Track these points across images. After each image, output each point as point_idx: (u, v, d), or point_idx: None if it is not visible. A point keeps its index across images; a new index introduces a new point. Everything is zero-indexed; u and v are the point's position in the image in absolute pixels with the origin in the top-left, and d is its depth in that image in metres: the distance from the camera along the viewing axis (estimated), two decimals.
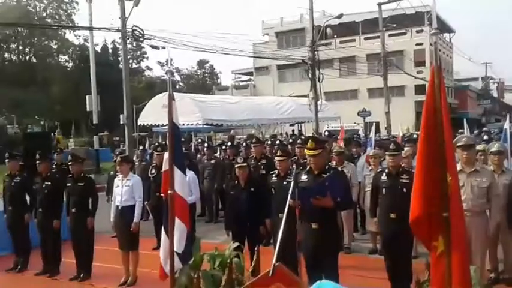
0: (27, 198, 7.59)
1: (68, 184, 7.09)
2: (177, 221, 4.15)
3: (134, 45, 46.80)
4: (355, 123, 26.12)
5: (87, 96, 20.15)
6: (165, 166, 4.29)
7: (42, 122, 44.93)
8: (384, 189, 5.64)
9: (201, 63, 68.92)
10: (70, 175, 7.15)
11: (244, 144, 11.80)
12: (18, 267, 7.55)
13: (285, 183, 5.60)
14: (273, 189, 5.90)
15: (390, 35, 35.35)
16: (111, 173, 10.15)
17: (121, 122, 19.37)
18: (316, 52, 21.19)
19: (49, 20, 42.87)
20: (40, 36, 43.71)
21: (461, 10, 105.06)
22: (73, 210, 6.94)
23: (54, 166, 9.33)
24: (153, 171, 8.60)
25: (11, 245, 7.84)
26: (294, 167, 4.99)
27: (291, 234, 4.32)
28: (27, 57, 45.81)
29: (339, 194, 4.66)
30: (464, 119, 12.24)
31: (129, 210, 6.65)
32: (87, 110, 20.36)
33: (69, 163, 7.16)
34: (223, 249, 4.28)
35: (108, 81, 29.16)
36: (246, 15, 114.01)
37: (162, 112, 13.88)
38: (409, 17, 34.14)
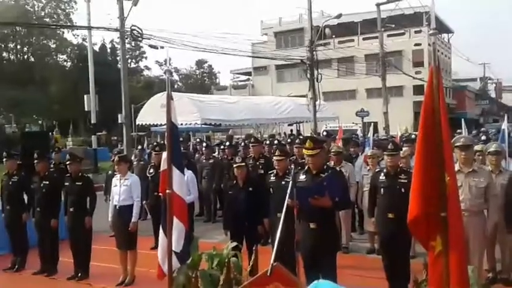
0: (25, 197, 7.58)
1: (66, 183, 7.08)
2: (175, 220, 4.15)
3: (133, 44, 46.86)
4: (353, 123, 26.14)
5: (85, 96, 20.13)
6: (163, 166, 4.29)
7: (40, 122, 44.86)
8: (382, 189, 5.65)
9: (200, 63, 68.92)
10: (68, 174, 7.15)
11: (242, 144, 11.80)
12: (16, 266, 7.54)
13: (283, 183, 5.60)
14: (271, 189, 5.90)
15: (389, 36, 35.35)
16: (109, 172, 10.14)
17: (119, 122, 19.34)
18: (314, 52, 21.19)
19: (47, 20, 42.84)
20: (38, 36, 43.66)
21: (460, 10, 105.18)
22: (71, 209, 6.94)
23: (52, 165, 9.31)
24: (151, 170, 8.60)
25: (9, 244, 7.84)
26: (293, 166, 4.98)
27: (289, 233, 4.33)
28: (26, 57, 45.77)
29: (337, 193, 4.66)
30: (462, 119, 12.26)
31: (127, 209, 6.64)
32: (86, 109, 20.34)
33: (67, 162, 7.16)
34: (222, 248, 4.29)
35: (107, 81, 29.12)
36: (245, 15, 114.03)
37: (161, 112, 13.87)
38: (408, 18, 34.21)
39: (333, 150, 7.92)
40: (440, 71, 2.87)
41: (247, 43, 34.75)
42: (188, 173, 7.06)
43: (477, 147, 6.61)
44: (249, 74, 53.45)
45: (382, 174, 5.74)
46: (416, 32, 40.73)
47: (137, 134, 26.55)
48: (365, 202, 7.12)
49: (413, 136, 10.69)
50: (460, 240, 2.86)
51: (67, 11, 44.69)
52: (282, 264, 3.03)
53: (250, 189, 6.17)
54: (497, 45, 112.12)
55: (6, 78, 36.01)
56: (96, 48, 42.48)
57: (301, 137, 9.66)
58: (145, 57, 58.27)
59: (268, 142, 10.63)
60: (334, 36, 37.70)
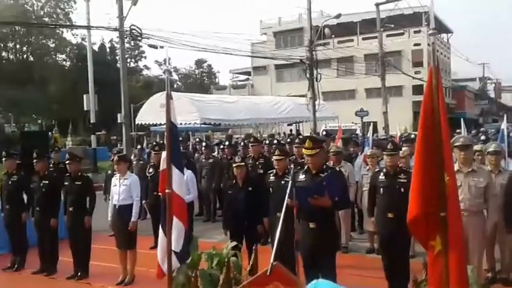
0: (25, 197, 7.57)
1: (66, 183, 7.08)
2: (175, 220, 4.15)
3: (132, 44, 46.80)
4: (352, 123, 26.15)
5: (84, 95, 20.11)
6: (163, 165, 4.29)
7: (39, 121, 44.81)
8: (381, 189, 5.65)
9: (199, 63, 68.88)
10: (67, 174, 7.15)
11: (242, 143, 11.80)
12: (16, 266, 7.54)
13: (282, 182, 5.61)
14: (270, 189, 5.90)
15: (388, 35, 35.39)
16: (109, 172, 10.14)
17: (119, 121, 19.32)
18: (314, 52, 21.19)
19: (47, 19, 42.80)
20: (37, 35, 43.63)
21: (459, 10, 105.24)
22: (70, 209, 6.93)
23: (51, 165, 9.31)
24: (151, 170, 8.60)
25: (8, 243, 7.83)
26: (292, 166, 4.98)
27: (288, 233, 4.33)
28: (25, 56, 45.74)
29: (337, 193, 4.67)
30: (462, 119, 12.26)
31: (127, 209, 6.64)
32: (85, 109, 20.32)
33: (67, 162, 7.15)
34: (221, 248, 4.30)
35: (106, 81, 29.11)
36: (245, 14, 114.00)
37: (160, 111, 13.87)
38: (407, 18, 34.22)
39: (332, 150, 7.91)
40: (439, 71, 2.87)
41: (246, 43, 34.79)
42: (188, 173, 7.06)
43: (476, 147, 6.62)
44: (248, 73, 53.44)
45: (382, 174, 5.74)
46: (415, 32, 40.76)
47: (136, 133, 26.55)
48: (364, 202, 7.13)
49: (412, 136, 10.71)
50: (459, 240, 2.87)
51: (66, 10, 44.67)
52: (281, 263, 3.03)
53: (250, 188, 6.17)
54: (497, 45, 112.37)
55: (5, 78, 35.98)
56: (96, 47, 42.46)
57: (300, 137, 9.67)
58: (145, 57, 58.37)
59: (267, 142, 10.63)
60: (333, 36, 37.72)
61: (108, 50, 48.67)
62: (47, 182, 7.18)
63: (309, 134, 14.45)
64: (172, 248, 4.12)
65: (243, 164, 6.32)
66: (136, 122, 18.95)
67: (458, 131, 11.88)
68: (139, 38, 17.16)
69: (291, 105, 21.85)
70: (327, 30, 25.37)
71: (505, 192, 5.78)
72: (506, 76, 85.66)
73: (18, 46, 45.21)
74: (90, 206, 6.97)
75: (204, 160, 11.04)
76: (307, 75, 21.16)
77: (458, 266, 2.79)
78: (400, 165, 5.84)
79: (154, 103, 16.68)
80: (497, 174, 5.95)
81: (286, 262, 3.78)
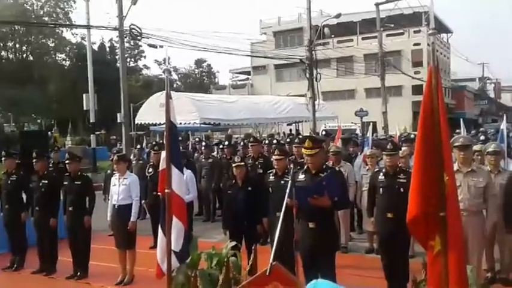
0: (24, 196, 7.57)
1: (65, 183, 7.07)
2: (175, 219, 4.15)
3: (132, 43, 46.76)
4: (352, 122, 26.15)
5: (84, 95, 20.10)
6: (162, 165, 4.29)
7: (39, 121, 44.77)
8: (381, 189, 5.65)
9: (199, 62, 68.80)
10: (67, 173, 7.14)
11: (241, 143, 11.80)
12: (15, 265, 7.54)
13: (282, 182, 5.60)
14: (270, 189, 5.90)
15: (388, 35, 35.38)
16: (108, 171, 10.13)
17: (118, 121, 19.33)
18: (313, 52, 21.21)
19: (46, 18, 42.75)
20: (37, 35, 43.58)
21: (459, 10, 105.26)
22: (70, 208, 6.93)
23: (51, 164, 9.30)
24: (150, 170, 8.60)
25: (8, 243, 7.83)
26: (292, 166, 4.98)
27: (288, 233, 4.33)
28: (24, 56, 45.68)
29: (336, 193, 4.67)
30: (461, 119, 12.25)
31: (126, 209, 6.63)
32: (84, 108, 20.31)
33: (66, 162, 7.15)
34: (221, 248, 4.30)
35: (106, 80, 29.10)
36: (244, 14, 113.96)
37: (160, 111, 13.86)
38: (407, 17, 34.23)
39: (331, 150, 7.91)
40: (439, 70, 2.87)
41: (246, 42, 34.82)
42: (187, 173, 7.06)
43: (476, 147, 6.62)
44: (248, 73, 53.43)
45: (381, 174, 5.74)
46: (415, 31, 40.77)
47: (136, 133, 26.53)
48: (364, 202, 7.13)
49: (412, 136, 10.71)
50: (459, 240, 2.87)
51: (66, 9, 44.61)
52: (281, 263, 3.04)
53: (249, 188, 6.17)
54: (496, 45, 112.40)
55: (4, 77, 35.92)
56: (95, 47, 42.43)
57: (300, 137, 9.67)
58: (144, 56, 58.24)
59: (267, 142, 10.63)
60: (333, 35, 37.71)
61: (107, 49, 48.62)
62: (46, 181, 7.17)
63: (308, 134, 14.45)
64: (172, 248, 4.13)
65: (242, 163, 6.32)
66: (135, 122, 18.96)
67: (457, 131, 11.88)
68: (139, 38, 17.18)
69: (290, 105, 21.86)
70: (326, 30, 25.35)
71: (505, 192, 5.78)
72: (506, 76, 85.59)
73: (17, 45, 45.17)
74: (89, 205, 6.96)
75: (203, 160, 11.04)
76: (307, 75, 21.18)
77: (458, 266, 2.79)
78: (399, 165, 5.84)
79: (154, 103, 16.69)
80: (496, 174, 5.95)
81: (286, 262, 3.79)
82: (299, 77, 33.03)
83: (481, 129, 21.21)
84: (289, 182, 4.39)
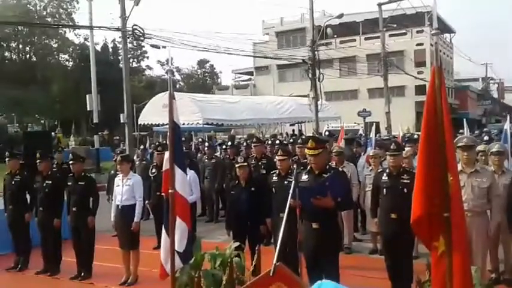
0: (28, 197, 7.59)
1: (69, 183, 7.09)
2: (178, 220, 4.15)
3: (134, 44, 46.77)
4: (355, 123, 26.12)
5: (87, 95, 20.16)
6: (166, 165, 4.29)
7: (42, 121, 44.93)
8: (384, 190, 5.64)
9: (201, 63, 68.88)
10: (71, 174, 7.15)
11: (244, 143, 11.80)
12: (19, 266, 7.56)
13: (285, 182, 5.61)
14: (273, 189, 5.90)
15: (390, 35, 35.36)
16: (112, 172, 10.14)
17: (121, 121, 19.37)
18: (316, 52, 21.18)
19: (49, 19, 42.85)
20: (40, 35, 43.69)
21: (462, 10, 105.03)
22: (74, 209, 6.95)
23: (54, 165, 9.32)
24: (154, 170, 8.61)
25: (12, 244, 7.84)
26: (295, 166, 4.98)
27: (291, 234, 4.34)
28: (28, 56, 45.82)
29: (340, 194, 4.66)
30: (465, 120, 12.24)
31: (130, 209, 6.65)
32: (88, 109, 20.36)
33: (70, 162, 7.17)
34: (224, 248, 4.30)
35: (109, 81, 29.16)
36: (247, 14, 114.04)
37: (163, 111, 13.90)
38: (410, 17, 34.14)
39: (334, 151, 7.90)
40: (442, 71, 2.86)
41: (248, 43, 34.80)
42: (190, 173, 7.06)
43: (480, 148, 6.60)
44: (250, 73, 53.44)
45: (385, 174, 5.73)
46: (418, 31, 40.67)
47: (139, 133, 26.55)
48: (367, 202, 7.12)
49: (415, 136, 10.71)
50: (463, 241, 2.86)
51: (69, 10, 44.70)
52: (284, 264, 3.04)
53: (253, 189, 6.17)
54: (500, 45, 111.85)
55: (8, 78, 36.04)
56: (98, 47, 42.53)
57: (303, 137, 9.66)
58: (147, 57, 58.20)
59: (270, 142, 10.64)
60: (335, 36, 37.62)
61: (110, 50, 48.69)
62: (50, 182, 7.19)
63: (311, 134, 14.45)
64: (176, 249, 4.13)
65: (245, 164, 6.32)
66: (139, 122, 18.98)
67: (461, 131, 11.87)
68: (141, 38, 17.20)
69: (293, 105, 21.86)
70: (329, 30, 25.32)
71: (508, 192, 5.76)
72: (509, 76, 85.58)
73: (21, 46, 45.29)
74: (93, 206, 6.98)
75: (206, 160, 11.04)
76: (310, 75, 21.15)
77: (462, 266, 2.78)
78: (403, 165, 5.82)
79: (157, 103, 16.71)
80: (500, 174, 5.93)
81: (289, 263, 3.80)
82: (302, 77, 32.98)
83: (485, 129, 21.19)
84: (293, 182, 4.40)
